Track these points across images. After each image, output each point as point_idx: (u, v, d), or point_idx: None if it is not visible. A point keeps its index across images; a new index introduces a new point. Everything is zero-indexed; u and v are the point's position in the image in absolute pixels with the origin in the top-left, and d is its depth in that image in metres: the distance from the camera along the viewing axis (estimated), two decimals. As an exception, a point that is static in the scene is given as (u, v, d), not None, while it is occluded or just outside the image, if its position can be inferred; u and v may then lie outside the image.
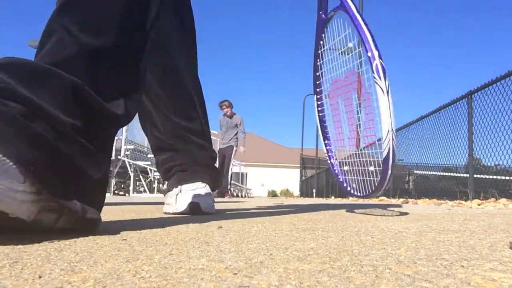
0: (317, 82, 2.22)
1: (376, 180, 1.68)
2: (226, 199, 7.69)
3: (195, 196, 1.71)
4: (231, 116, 8.94)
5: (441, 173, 6.49)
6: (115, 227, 1.17)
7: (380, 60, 1.53)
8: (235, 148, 8.95)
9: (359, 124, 1.95)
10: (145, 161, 9.90)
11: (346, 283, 0.52)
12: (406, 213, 1.96)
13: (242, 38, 67.93)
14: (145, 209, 2.18)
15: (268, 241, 0.90)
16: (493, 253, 0.76)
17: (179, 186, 1.75)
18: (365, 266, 0.63)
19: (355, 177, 1.91)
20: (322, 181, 17.65)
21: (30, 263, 0.62)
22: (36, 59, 0.97)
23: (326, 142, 2.20)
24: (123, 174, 10.67)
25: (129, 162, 9.53)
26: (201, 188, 1.74)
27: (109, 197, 5.79)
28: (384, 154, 1.53)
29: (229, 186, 9.34)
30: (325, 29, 2.11)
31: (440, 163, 6.27)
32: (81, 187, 0.91)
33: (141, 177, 9.97)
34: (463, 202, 4.06)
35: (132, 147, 9.72)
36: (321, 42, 2.16)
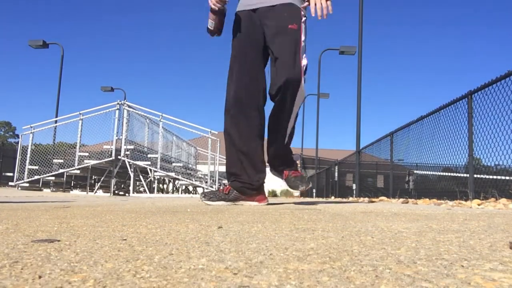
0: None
1: None
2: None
3: None
4: None
5: (441, 173, 6.49)
6: (115, 227, 1.17)
7: None
8: (303, 19, 2.76)
9: None
10: (145, 161, 9.89)
11: (346, 283, 0.52)
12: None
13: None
14: (145, 209, 2.18)
15: (268, 241, 0.90)
16: (493, 253, 0.76)
17: None
18: (365, 266, 0.63)
19: None
20: (322, 181, 17.64)
21: (30, 263, 0.62)
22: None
23: None
24: (123, 174, 10.67)
25: (129, 162, 9.53)
26: None
27: (109, 197, 5.78)
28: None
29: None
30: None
31: (440, 163, 6.27)
32: None
33: (141, 177, 9.97)
34: (463, 202, 4.06)
35: (132, 147, 9.72)
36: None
